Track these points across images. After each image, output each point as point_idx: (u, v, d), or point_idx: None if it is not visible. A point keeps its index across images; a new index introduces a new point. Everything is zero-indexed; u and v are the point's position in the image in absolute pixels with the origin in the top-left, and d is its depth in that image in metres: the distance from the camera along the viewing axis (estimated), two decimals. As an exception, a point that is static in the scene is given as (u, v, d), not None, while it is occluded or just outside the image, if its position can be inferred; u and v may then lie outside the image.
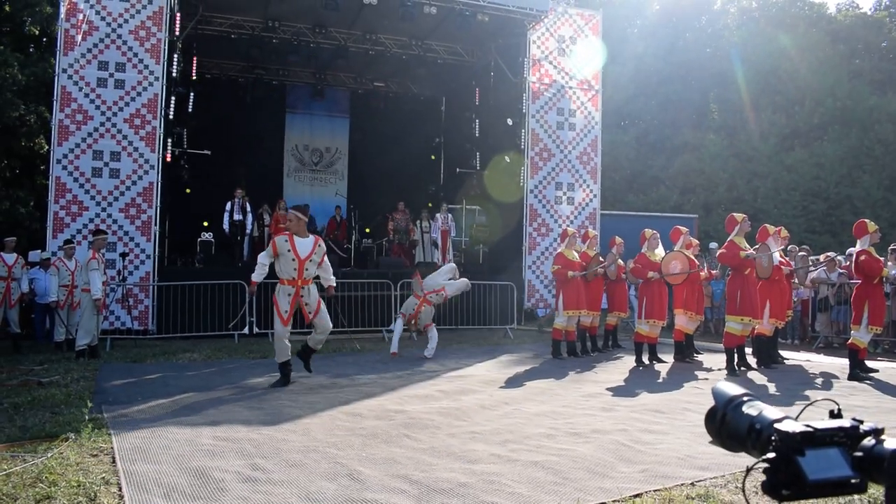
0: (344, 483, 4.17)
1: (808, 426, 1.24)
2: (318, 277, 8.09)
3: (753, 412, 1.34)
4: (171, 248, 15.40)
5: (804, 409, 1.39)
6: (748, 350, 9.73)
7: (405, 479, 4.25)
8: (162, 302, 13.09)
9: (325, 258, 8.03)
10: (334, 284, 8.24)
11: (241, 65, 18.31)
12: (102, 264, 10.58)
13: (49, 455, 4.68)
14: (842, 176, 26.76)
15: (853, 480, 1.21)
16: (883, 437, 1.24)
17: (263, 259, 7.85)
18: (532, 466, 4.51)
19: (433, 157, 20.87)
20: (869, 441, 1.24)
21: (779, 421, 1.28)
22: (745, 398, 1.38)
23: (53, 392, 7.24)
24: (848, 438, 1.25)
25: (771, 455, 1.22)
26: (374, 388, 7.73)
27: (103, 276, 10.56)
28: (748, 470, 1.42)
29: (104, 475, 4.29)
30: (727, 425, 1.37)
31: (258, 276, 7.90)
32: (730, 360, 9.01)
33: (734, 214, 9.50)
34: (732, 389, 1.41)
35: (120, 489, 4.02)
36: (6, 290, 11.64)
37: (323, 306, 8.02)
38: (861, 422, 1.27)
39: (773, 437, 1.24)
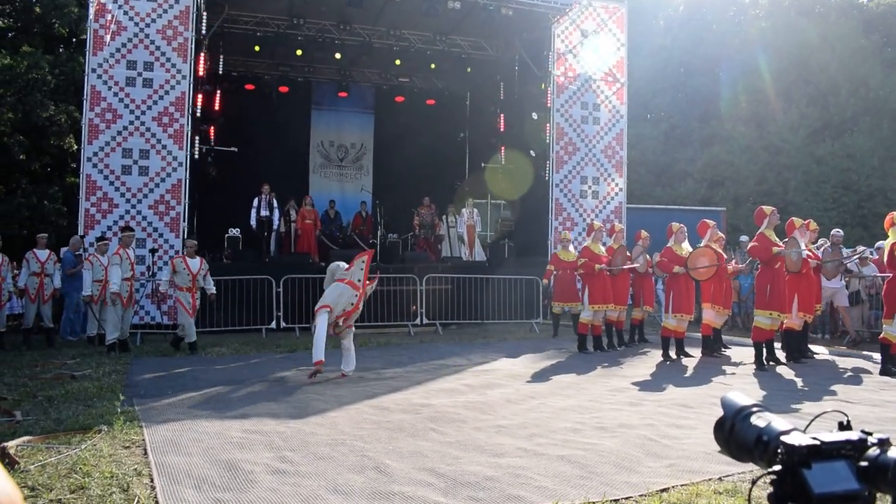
0: (371, 476, 4.20)
1: (815, 439, 1.23)
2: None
3: (761, 423, 1.33)
4: (199, 244, 15.55)
5: (812, 420, 1.38)
6: (777, 345, 9.61)
7: (432, 472, 4.27)
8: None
9: (208, 273, 11.08)
10: (214, 291, 11.13)
11: (266, 62, 18.43)
12: (129, 261, 10.79)
13: (83, 447, 4.77)
14: (873, 168, 26.25)
15: (860, 494, 1.20)
16: (888, 446, 1.23)
17: (166, 276, 11.03)
18: (558, 460, 4.51)
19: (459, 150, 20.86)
20: (874, 450, 1.23)
21: (786, 433, 1.27)
22: (753, 409, 1.37)
23: (86, 385, 7.38)
24: (856, 451, 1.23)
25: (777, 467, 1.22)
26: (400, 382, 7.76)
27: (130, 272, 10.77)
28: (753, 482, 1.43)
29: (136, 466, 4.37)
30: (735, 436, 1.36)
31: (164, 287, 11.23)
32: (758, 355, 8.92)
33: (763, 207, 9.39)
34: (741, 400, 1.40)
35: (152, 480, 4.09)
36: (39, 285, 11.83)
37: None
38: (870, 434, 1.25)
39: (779, 450, 1.24)
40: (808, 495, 1.18)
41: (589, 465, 4.39)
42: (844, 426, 1.30)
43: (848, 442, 1.24)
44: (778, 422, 1.32)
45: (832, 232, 11.47)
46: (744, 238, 14.99)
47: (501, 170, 18.29)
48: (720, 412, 1.41)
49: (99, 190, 13.40)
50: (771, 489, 1.23)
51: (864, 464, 1.22)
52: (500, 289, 14.22)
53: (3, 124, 19.42)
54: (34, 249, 12.12)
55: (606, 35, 17.04)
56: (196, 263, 10.91)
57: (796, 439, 1.23)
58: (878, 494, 1.23)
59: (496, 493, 3.87)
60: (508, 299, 14.23)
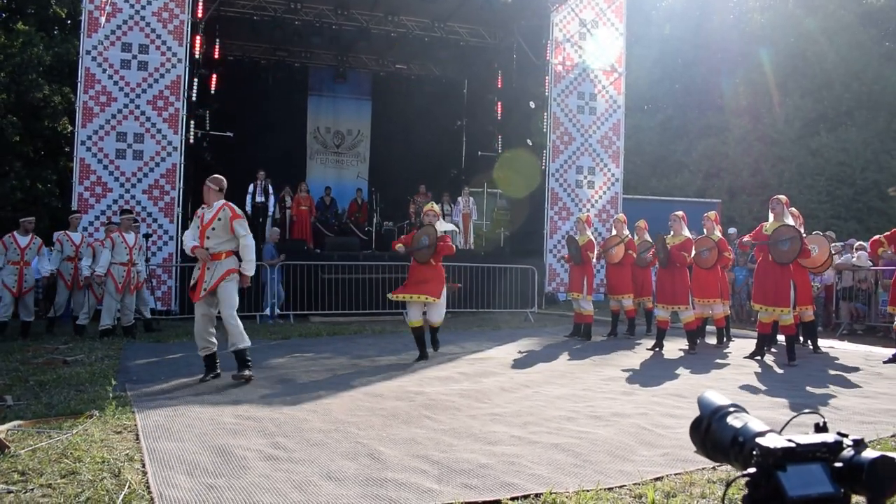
0: (365, 462, 4.18)
1: (790, 441, 1.22)
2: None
3: (738, 424, 1.32)
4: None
5: (788, 422, 1.37)
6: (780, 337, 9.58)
7: (426, 459, 4.25)
8: (185, 283, 13.18)
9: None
10: (87, 274, 10.54)
11: (263, 47, 18.31)
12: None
13: (74, 431, 4.74)
14: (868, 161, 26.25)
15: (835, 496, 1.19)
16: (863, 447, 1.22)
17: (107, 257, 10.38)
18: (552, 448, 4.50)
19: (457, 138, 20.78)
20: (849, 451, 1.22)
21: (761, 435, 1.26)
22: (730, 409, 1.36)
23: (78, 370, 7.34)
24: (831, 454, 1.22)
25: (752, 469, 1.20)
26: (395, 370, 7.75)
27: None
28: (728, 484, 1.41)
29: (128, 452, 4.34)
30: (711, 436, 1.35)
31: (100, 271, 10.35)
32: (759, 345, 8.94)
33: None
34: (718, 399, 1.39)
35: (143, 466, 4.06)
36: (74, 271, 11.09)
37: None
38: (845, 436, 1.25)
39: (754, 451, 1.22)
40: (783, 498, 1.17)
41: (583, 454, 4.38)
42: (821, 428, 1.28)
43: (823, 444, 1.23)
44: (754, 423, 1.31)
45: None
46: (732, 230, 15.03)
47: (498, 159, 18.24)
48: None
49: (93, 174, 13.31)
50: (746, 491, 1.21)
51: (838, 465, 1.21)
52: (495, 278, 14.21)
53: (-3, 105, 19.28)
54: (67, 231, 11.45)
55: (605, 25, 16.98)
56: (132, 238, 10.72)
57: (771, 441, 1.22)
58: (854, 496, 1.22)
59: (490, 480, 3.85)
60: (504, 288, 14.22)
